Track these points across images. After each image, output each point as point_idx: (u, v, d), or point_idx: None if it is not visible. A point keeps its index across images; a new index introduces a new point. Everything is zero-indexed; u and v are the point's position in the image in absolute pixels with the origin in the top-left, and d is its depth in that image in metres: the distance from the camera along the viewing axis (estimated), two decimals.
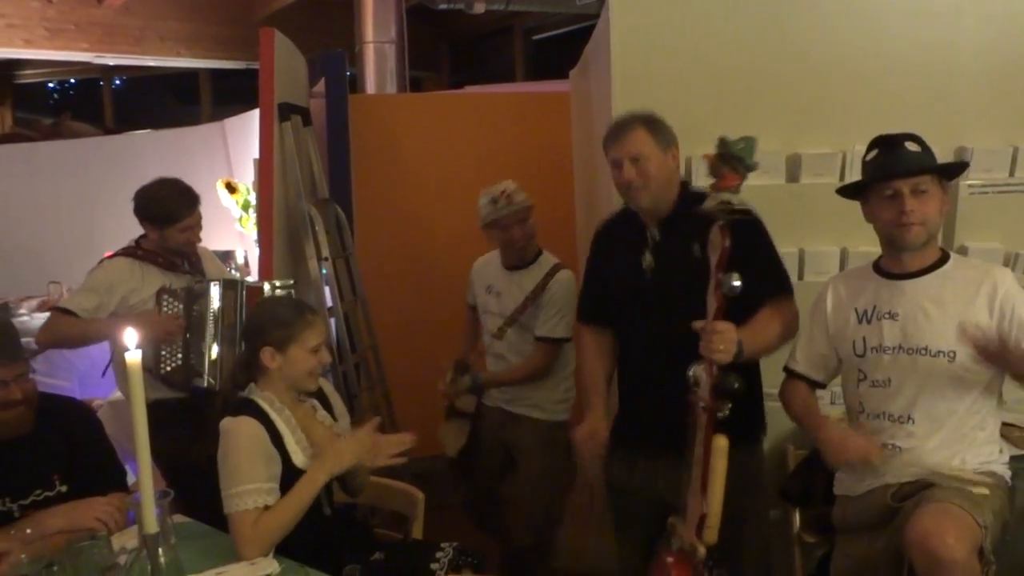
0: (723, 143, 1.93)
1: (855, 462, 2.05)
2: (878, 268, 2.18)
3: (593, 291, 2.55)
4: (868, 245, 2.23)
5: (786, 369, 2.33)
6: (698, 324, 1.97)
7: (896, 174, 2.05)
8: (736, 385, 1.92)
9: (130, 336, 1.45)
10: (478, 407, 3.16)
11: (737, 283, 1.89)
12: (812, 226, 2.72)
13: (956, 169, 2.10)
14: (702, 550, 1.94)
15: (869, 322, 2.14)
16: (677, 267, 2.23)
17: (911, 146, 2.05)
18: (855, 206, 2.18)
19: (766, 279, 2.21)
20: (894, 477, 2.09)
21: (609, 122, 2.39)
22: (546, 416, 3.05)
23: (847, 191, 2.18)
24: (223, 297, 2.92)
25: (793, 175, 2.75)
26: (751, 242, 2.23)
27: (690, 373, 2.00)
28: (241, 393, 2.16)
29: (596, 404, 2.43)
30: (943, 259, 2.11)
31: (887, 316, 2.11)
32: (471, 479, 3.21)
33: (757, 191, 2.63)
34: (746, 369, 2.31)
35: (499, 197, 2.95)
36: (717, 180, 1.95)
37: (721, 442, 1.88)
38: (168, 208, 2.88)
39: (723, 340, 1.93)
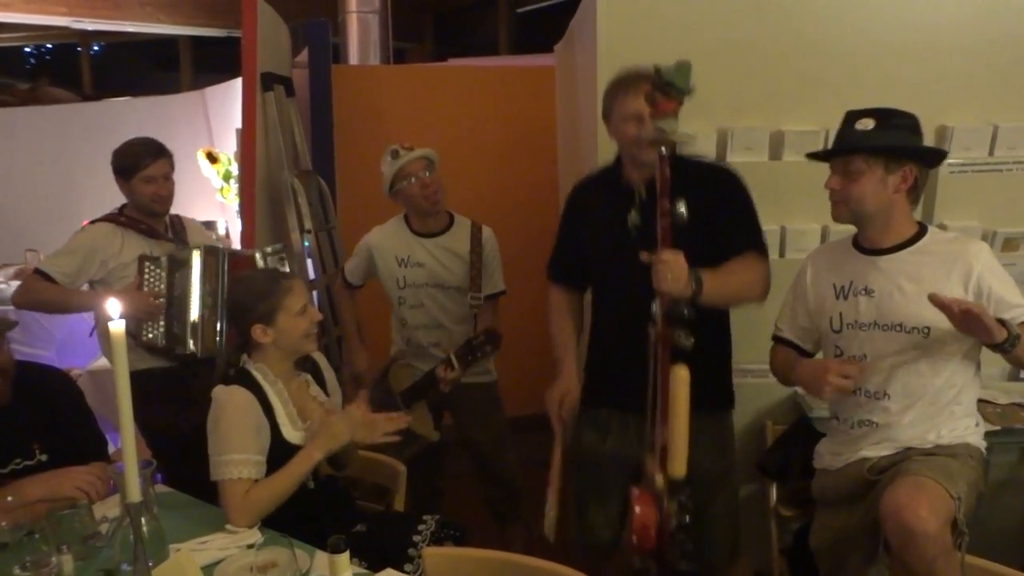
0: (656, 71, 1.92)
1: (834, 389, 2.03)
2: (856, 243, 2.20)
3: (567, 250, 2.56)
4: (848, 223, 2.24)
5: (773, 337, 2.36)
6: (645, 255, 1.98)
7: (827, 152, 2.13)
8: (686, 311, 1.93)
9: (113, 306, 1.45)
10: (425, 378, 3.00)
11: (683, 209, 1.91)
12: (794, 203, 2.73)
13: (904, 152, 2.05)
14: (660, 479, 1.94)
15: (846, 298, 2.16)
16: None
17: (862, 124, 2.04)
18: None
19: (739, 233, 2.24)
20: (871, 451, 2.12)
21: (595, 100, 2.37)
22: (488, 378, 3.09)
23: (816, 157, 2.20)
24: (205, 264, 2.91)
25: (776, 152, 2.76)
26: (728, 196, 2.27)
27: (652, 308, 2.00)
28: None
29: (568, 363, 2.46)
30: (919, 234, 2.11)
31: (863, 292, 2.13)
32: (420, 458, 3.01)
33: (740, 168, 2.64)
34: (718, 333, 2.38)
35: (401, 149, 2.92)
36: (652, 109, 1.95)
37: (681, 371, 1.87)
38: (131, 156, 2.87)
39: (670, 268, 1.95)
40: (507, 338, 2.93)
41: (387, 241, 3.09)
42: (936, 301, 1.87)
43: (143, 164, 2.86)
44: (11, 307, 4.54)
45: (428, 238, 3.01)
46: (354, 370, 3.25)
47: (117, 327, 1.45)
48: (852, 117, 2.08)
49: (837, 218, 2.14)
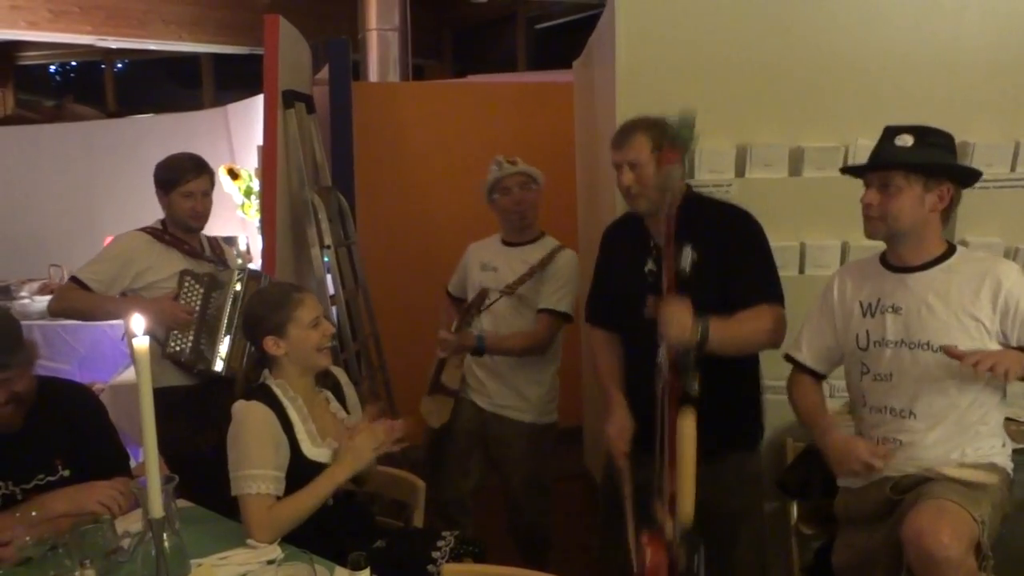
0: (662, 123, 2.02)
1: (858, 471, 2.06)
2: (884, 260, 2.18)
3: (601, 293, 2.57)
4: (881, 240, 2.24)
5: (789, 358, 2.32)
6: (651, 302, 2.01)
7: (864, 166, 2.11)
8: (693, 360, 1.94)
9: (137, 323, 1.46)
10: (458, 401, 3.04)
11: (688, 257, 1.94)
12: (814, 220, 2.73)
13: (943, 171, 2.04)
14: (669, 525, 1.94)
15: (873, 315, 2.15)
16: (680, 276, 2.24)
17: (901, 140, 2.04)
18: (857, 200, 2.17)
19: (753, 283, 2.21)
20: (895, 470, 2.10)
21: (613, 116, 2.39)
22: (531, 417, 2.98)
23: (852, 172, 2.20)
24: (246, 288, 2.93)
25: (796, 168, 2.76)
26: (743, 242, 2.25)
27: (659, 357, 2.01)
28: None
29: (618, 399, 2.43)
30: (948, 252, 2.10)
31: (890, 310, 2.11)
32: (437, 479, 3.03)
33: (759, 184, 2.66)
34: (743, 372, 2.34)
35: (504, 162, 2.95)
36: (659, 157, 2.05)
37: (687, 419, 1.88)
38: (173, 170, 2.90)
39: (674, 316, 1.95)
40: None
41: (479, 249, 3.16)
42: (950, 354, 1.89)
43: (184, 179, 2.89)
44: (40, 322, 4.62)
45: (512, 247, 3.04)
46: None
47: (141, 343, 1.47)
48: (891, 132, 2.07)
49: (871, 234, 2.11)
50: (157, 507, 1.51)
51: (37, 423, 2.12)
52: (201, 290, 2.91)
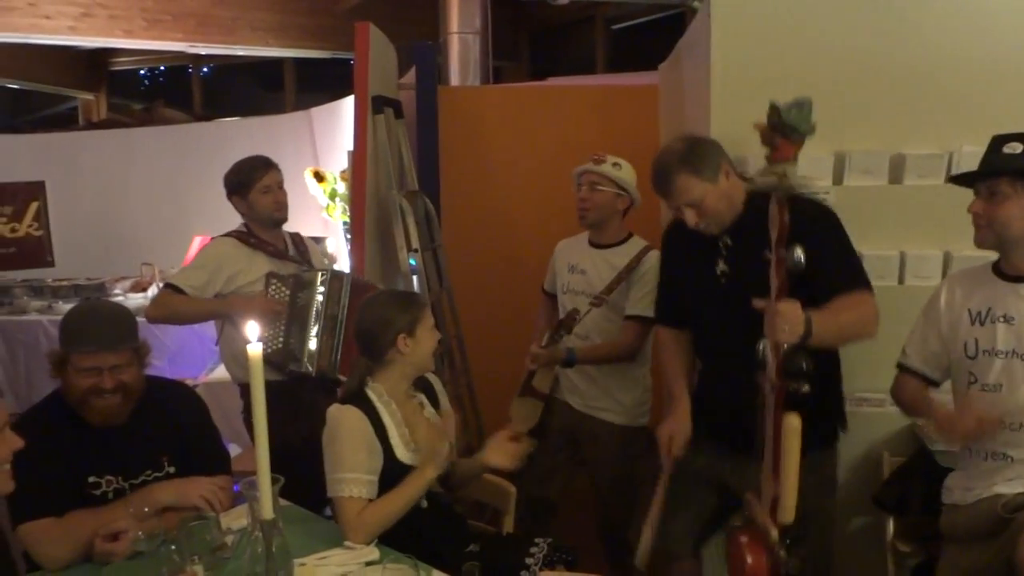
0: (774, 110, 1.83)
1: (970, 438, 2.01)
2: (997, 269, 2.13)
3: (669, 294, 2.56)
4: (972, 249, 2.16)
5: (898, 365, 2.29)
6: (759, 303, 1.94)
7: (969, 174, 2.07)
8: (805, 366, 1.88)
9: (252, 329, 1.50)
10: (550, 400, 3.09)
11: (800, 256, 1.83)
12: (914, 229, 2.65)
13: None
14: (775, 532, 1.92)
15: (982, 324, 2.09)
16: (751, 272, 2.20)
17: (1010, 148, 1.99)
18: (960, 209, 2.12)
19: (840, 272, 2.17)
20: (1005, 487, 2.04)
21: (707, 120, 2.33)
22: (623, 420, 2.99)
23: (959, 180, 2.15)
24: (329, 288, 3.00)
25: (896, 176, 2.68)
26: (823, 233, 2.21)
27: (759, 350, 1.96)
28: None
29: (681, 397, 2.43)
30: None
31: (1002, 319, 2.06)
32: (530, 474, 2.99)
33: (858, 192, 2.59)
34: (823, 369, 2.26)
35: (595, 156, 2.97)
36: (771, 152, 1.87)
37: (793, 421, 1.83)
38: (243, 172, 3.01)
39: (787, 320, 1.90)
40: None
41: (568, 248, 3.18)
42: None
43: (257, 176, 3.00)
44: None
45: (599, 249, 3.04)
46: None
47: (255, 350, 1.51)
48: (999, 141, 2.02)
49: (981, 243, 2.07)
50: (268, 509, 1.55)
51: (144, 420, 2.20)
52: (287, 291, 2.98)
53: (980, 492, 2.08)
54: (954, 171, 2.60)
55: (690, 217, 2.23)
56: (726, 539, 2.22)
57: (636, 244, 3.02)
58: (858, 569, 2.59)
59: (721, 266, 2.29)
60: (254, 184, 2.99)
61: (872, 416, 2.67)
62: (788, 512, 1.88)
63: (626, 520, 3.03)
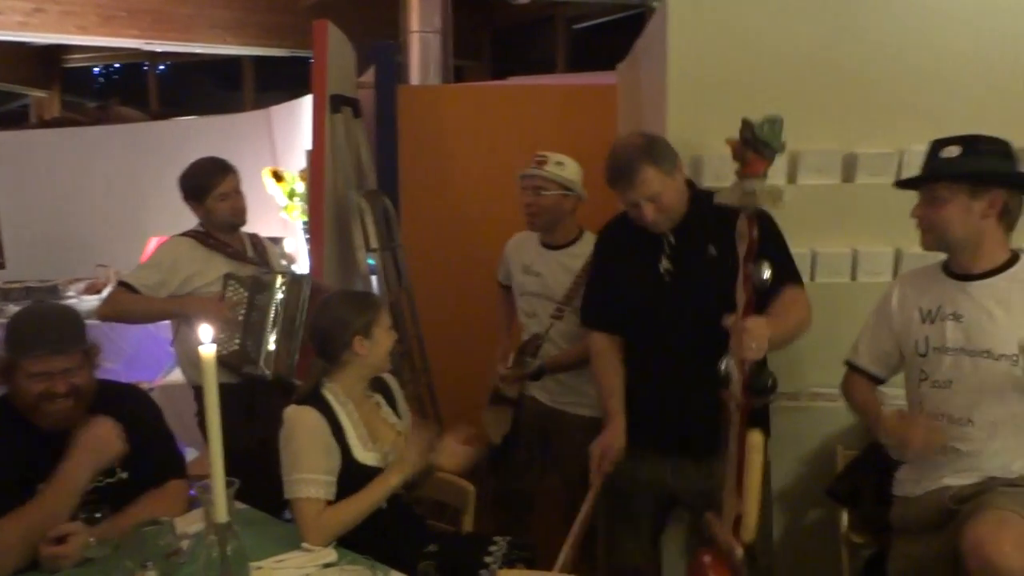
0: (747, 126, 1.85)
1: (918, 451, 2.05)
2: (946, 268, 2.17)
3: (602, 296, 2.53)
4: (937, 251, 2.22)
5: (847, 363, 2.33)
6: (729, 320, 1.95)
7: (909, 180, 2.13)
8: (770, 382, 1.91)
9: (206, 330, 1.49)
10: (520, 396, 3.12)
11: (767, 274, 1.85)
12: (866, 226, 2.70)
13: (989, 178, 2.01)
14: (740, 551, 1.94)
15: (932, 322, 2.14)
16: (696, 270, 2.24)
17: (947, 152, 2.04)
18: (910, 208, 2.16)
19: (781, 268, 2.19)
20: (953, 479, 2.08)
21: (663, 120, 2.35)
22: (592, 412, 2.97)
23: (904, 186, 2.20)
24: (288, 291, 2.97)
25: (848, 175, 2.72)
26: (762, 231, 2.21)
27: (721, 367, 1.98)
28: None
29: (616, 414, 2.41)
30: (1012, 260, 2.08)
31: (951, 317, 2.10)
32: (506, 473, 3.18)
33: (811, 190, 2.63)
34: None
35: (536, 157, 2.93)
36: (741, 167, 1.88)
37: (756, 438, 1.86)
38: (200, 178, 2.96)
39: (755, 337, 1.91)
40: None
41: (519, 246, 3.15)
42: None
43: (214, 183, 2.95)
44: (86, 322, 4.69)
45: (551, 250, 3.02)
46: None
47: (208, 351, 1.49)
48: (938, 145, 2.07)
49: (925, 246, 2.13)
50: (222, 511, 1.53)
51: None
52: (245, 293, 2.95)
53: (929, 484, 2.13)
54: (905, 169, 2.66)
55: (648, 212, 2.22)
56: (689, 561, 2.23)
57: (589, 242, 2.98)
58: (813, 561, 2.63)
59: (665, 264, 2.29)
60: (211, 190, 2.95)
61: (826, 410, 2.71)
62: (750, 530, 1.90)
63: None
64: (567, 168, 2.94)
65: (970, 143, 2.03)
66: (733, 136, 1.90)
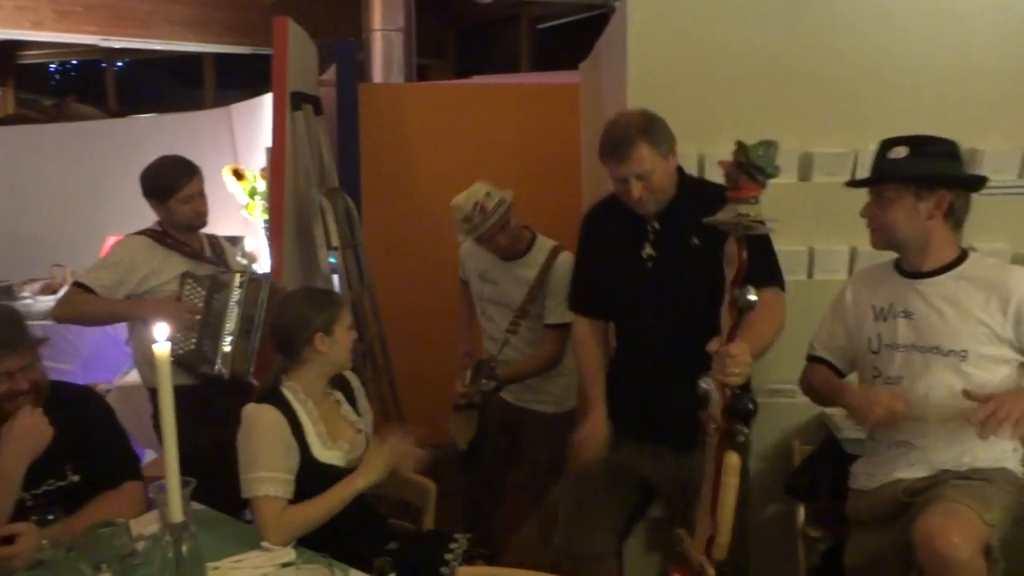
0: (741, 150, 1.79)
1: (882, 419, 2.07)
2: (898, 266, 2.21)
3: (587, 280, 2.53)
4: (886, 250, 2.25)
5: (809, 356, 2.36)
6: (712, 346, 1.92)
7: (858, 182, 2.17)
8: (751, 406, 1.89)
9: (160, 329, 1.47)
10: (484, 396, 3.13)
11: (753, 298, 1.79)
12: (822, 225, 2.74)
13: (934, 179, 2.05)
14: (711, 572, 1.94)
15: (885, 319, 2.18)
16: (678, 257, 2.24)
17: (895, 152, 2.07)
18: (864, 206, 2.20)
19: (758, 269, 2.14)
20: (906, 472, 2.12)
21: (609, 136, 2.35)
22: (555, 409, 3.08)
23: (854, 186, 2.24)
24: (246, 290, 2.94)
25: (805, 174, 2.77)
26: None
27: (701, 387, 1.96)
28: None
29: (597, 401, 2.42)
30: (960, 259, 2.12)
31: (902, 314, 2.14)
32: (475, 468, 3.22)
33: (768, 189, 2.62)
34: None
35: (472, 214, 2.86)
36: (734, 190, 1.83)
37: (732, 460, 1.86)
38: (166, 178, 2.91)
39: (738, 364, 1.88)
40: None
41: (473, 253, 3.14)
42: (971, 397, 1.92)
43: (179, 185, 2.90)
44: (42, 322, 4.62)
45: (505, 260, 3.03)
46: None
47: (162, 349, 1.48)
48: (886, 146, 2.10)
49: (875, 245, 2.17)
50: (177, 511, 1.52)
51: None
52: (203, 292, 2.92)
53: (883, 478, 2.17)
54: (859, 169, 2.71)
55: (636, 189, 2.19)
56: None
57: (542, 249, 3.02)
58: (771, 555, 2.66)
59: (648, 250, 2.29)
60: (175, 192, 2.90)
61: (784, 406, 2.75)
62: (721, 549, 1.90)
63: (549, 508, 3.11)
64: (492, 197, 2.90)
65: (918, 144, 2.07)
66: (727, 157, 1.84)
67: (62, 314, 2.90)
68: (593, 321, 2.52)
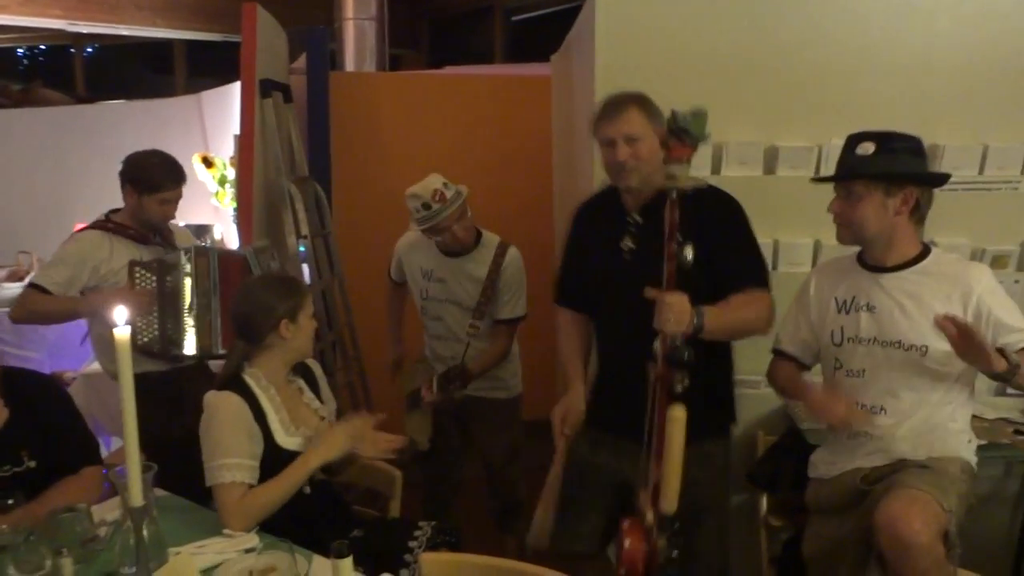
0: (673, 116, 1.93)
1: (838, 424, 2.13)
2: (861, 260, 2.24)
3: (572, 272, 2.56)
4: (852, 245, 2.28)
5: (773, 350, 2.40)
6: (650, 293, 1.99)
7: (826, 178, 2.18)
8: (687, 356, 1.94)
9: (119, 313, 1.46)
10: (453, 401, 3.12)
11: (689, 255, 1.92)
12: (787, 218, 2.77)
13: (904, 177, 2.08)
14: (650, 516, 1.96)
15: (847, 312, 2.20)
16: (657, 252, 2.25)
17: (863, 148, 2.09)
18: (828, 200, 2.20)
19: (744, 267, 2.23)
20: (865, 461, 2.16)
21: (593, 105, 2.39)
22: (505, 394, 3.14)
23: (821, 181, 2.24)
24: (196, 265, 2.92)
25: (770, 167, 2.80)
26: (729, 225, 2.26)
27: (654, 346, 2.02)
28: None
29: (575, 381, 2.47)
30: (923, 254, 2.15)
31: (864, 308, 2.17)
32: (432, 463, 3.23)
33: (735, 182, 2.68)
34: (716, 359, 2.34)
35: (432, 201, 2.86)
36: (666, 152, 1.96)
37: (677, 412, 1.87)
38: (154, 176, 2.88)
39: (673, 311, 1.95)
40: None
41: (415, 251, 3.13)
42: (938, 321, 1.92)
43: (164, 187, 2.89)
44: (3, 310, 4.56)
45: (451, 257, 3.03)
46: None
47: (122, 333, 1.47)
48: (853, 141, 2.12)
49: (841, 240, 2.19)
50: (137, 496, 1.51)
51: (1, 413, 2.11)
52: (153, 277, 2.90)
53: (842, 466, 2.21)
54: (824, 162, 2.74)
55: (622, 152, 2.20)
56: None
57: (488, 246, 3.03)
58: (733, 545, 2.69)
59: (627, 242, 2.30)
60: (157, 192, 2.88)
61: (748, 397, 2.78)
62: (670, 502, 1.91)
63: (515, 483, 3.21)
64: (450, 187, 2.91)
65: (884, 140, 2.08)
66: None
67: (18, 316, 2.87)
68: (575, 313, 2.56)
